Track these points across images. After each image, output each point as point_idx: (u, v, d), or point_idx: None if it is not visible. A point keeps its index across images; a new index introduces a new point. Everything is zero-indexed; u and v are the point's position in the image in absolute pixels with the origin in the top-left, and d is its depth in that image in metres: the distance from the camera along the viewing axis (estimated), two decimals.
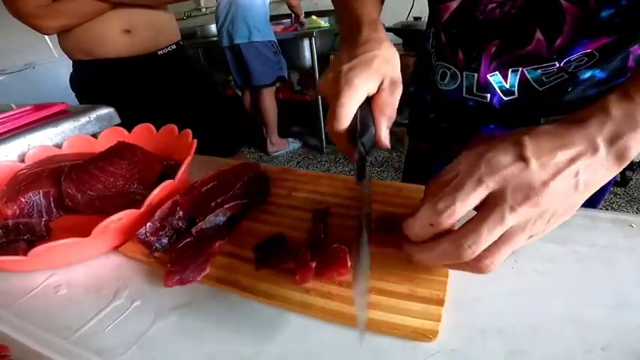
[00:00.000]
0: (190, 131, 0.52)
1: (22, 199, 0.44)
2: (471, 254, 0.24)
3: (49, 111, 0.64)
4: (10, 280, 0.36)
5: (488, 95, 0.48)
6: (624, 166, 0.26)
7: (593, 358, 0.25)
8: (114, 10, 0.96)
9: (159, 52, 1.08)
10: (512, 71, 0.45)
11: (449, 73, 0.51)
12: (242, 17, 2.12)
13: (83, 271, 0.37)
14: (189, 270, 0.33)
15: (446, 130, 0.58)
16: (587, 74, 0.44)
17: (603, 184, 0.26)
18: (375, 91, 0.35)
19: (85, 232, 0.33)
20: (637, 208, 1.75)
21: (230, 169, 0.45)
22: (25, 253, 0.32)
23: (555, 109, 0.47)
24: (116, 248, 0.38)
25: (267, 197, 0.44)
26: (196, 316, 0.30)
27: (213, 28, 2.94)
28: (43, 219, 0.43)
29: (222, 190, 0.42)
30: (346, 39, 0.40)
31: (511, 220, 0.24)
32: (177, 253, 0.35)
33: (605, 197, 1.83)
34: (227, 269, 0.34)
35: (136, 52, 1.03)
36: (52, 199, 0.46)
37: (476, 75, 0.47)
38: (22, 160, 0.54)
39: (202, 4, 3.27)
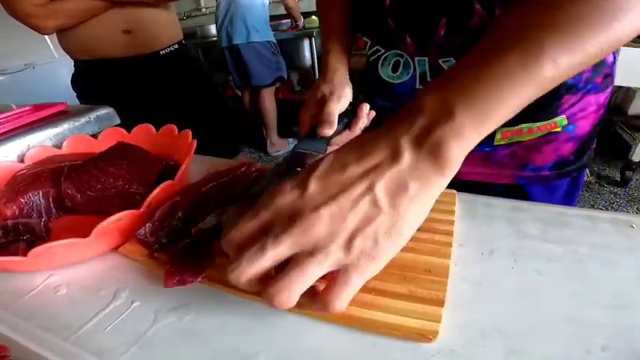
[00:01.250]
0: (190, 131, 0.52)
1: (22, 200, 0.44)
2: (236, 279, 0.23)
3: (49, 111, 0.64)
4: (10, 281, 0.36)
5: None
6: (448, 169, 0.22)
7: (593, 358, 0.25)
8: (113, 10, 0.96)
9: (161, 52, 1.08)
10: None
11: (402, 61, 0.49)
12: (241, 17, 2.12)
13: (83, 272, 0.36)
14: (189, 271, 0.33)
15: None
16: None
17: (431, 192, 0.22)
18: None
19: (84, 232, 0.33)
20: (637, 208, 1.75)
21: (229, 169, 0.45)
22: (24, 254, 0.32)
23: (510, 121, 0.45)
24: (116, 249, 0.38)
25: None
26: (196, 316, 0.30)
27: (213, 28, 2.94)
28: (43, 219, 0.43)
29: (222, 191, 0.42)
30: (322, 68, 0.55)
31: (273, 248, 0.22)
32: (176, 254, 0.35)
33: (605, 197, 1.84)
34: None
35: (138, 52, 1.03)
36: (51, 200, 0.46)
37: (427, 60, 0.46)
38: (22, 161, 0.54)
39: (202, 4, 3.28)
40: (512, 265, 0.33)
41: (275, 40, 2.29)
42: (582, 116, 0.46)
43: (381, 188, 0.21)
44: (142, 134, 0.57)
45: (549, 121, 0.45)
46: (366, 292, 0.30)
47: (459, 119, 0.21)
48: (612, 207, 1.77)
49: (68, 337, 0.29)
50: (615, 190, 1.90)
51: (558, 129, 0.46)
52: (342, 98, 0.49)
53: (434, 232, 0.36)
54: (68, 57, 1.06)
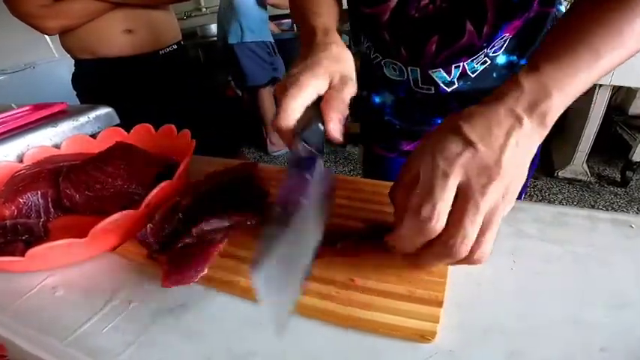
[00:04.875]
0: (189, 131, 0.52)
1: (20, 200, 0.44)
2: (466, 250, 0.25)
3: (49, 111, 0.64)
4: (8, 281, 0.36)
5: (433, 88, 0.52)
6: (546, 132, 0.29)
7: (592, 358, 0.24)
8: (116, 10, 0.97)
9: (160, 52, 1.09)
10: (455, 67, 0.49)
11: (396, 68, 0.54)
12: (237, 18, 2.12)
13: (80, 272, 0.36)
14: (187, 271, 0.33)
15: (399, 130, 0.62)
16: (504, 59, 0.49)
17: (534, 150, 0.29)
18: (324, 90, 0.36)
19: (82, 232, 0.33)
20: (637, 209, 1.75)
21: (228, 169, 0.45)
22: (22, 254, 0.32)
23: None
24: (114, 249, 0.38)
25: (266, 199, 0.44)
26: (194, 316, 0.30)
27: (213, 27, 2.94)
28: (41, 219, 0.43)
29: (222, 191, 0.42)
30: (303, 47, 0.42)
31: (485, 204, 0.25)
32: (175, 254, 0.35)
33: (605, 197, 1.83)
34: (225, 270, 0.34)
35: (138, 52, 1.04)
36: (50, 200, 0.46)
37: (419, 69, 0.51)
38: (21, 161, 0.54)
39: (202, 4, 3.27)
40: (511, 265, 0.32)
41: (272, 40, 2.28)
42: None
43: (521, 143, 0.27)
44: (141, 134, 0.57)
45: None
46: (364, 293, 0.30)
47: (554, 98, 0.28)
48: (612, 207, 1.77)
49: (66, 337, 0.29)
50: (615, 190, 1.90)
51: None
52: (354, 87, 0.40)
53: None
54: (68, 56, 1.06)
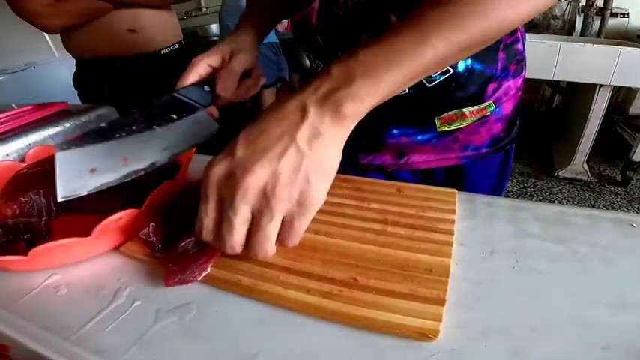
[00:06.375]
0: None
1: (22, 199, 0.44)
2: (232, 251, 0.29)
3: (50, 110, 0.64)
4: (10, 280, 0.36)
5: None
6: (349, 121, 0.27)
7: (594, 357, 0.25)
8: (118, 10, 0.97)
9: (162, 52, 1.09)
10: None
11: None
12: None
13: (83, 271, 0.36)
14: (190, 270, 0.33)
15: (353, 144, 0.60)
16: (462, 66, 0.47)
17: (337, 139, 0.27)
18: (217, 64, 0.49)
19: (85, 231, 0.33)
20: (638, 208, 1.75)
21: None
22: (25, 253, 0.32)
23: (446, 107, 0.51)
24: (116, 248, 0.38)
25: None
26: (197, 315, 0.30)
27: (213, 27, 2.94)
28: (44, 219, 0.43)
29: None
30: None
31: (234, 215, 0.26)
32: (178, 253, 0.35)
33: (606, 197, 1.84)
34: (228, 269, 0.34)
35: (140, 51, 1.04)
36: (52, 199, 0.46)
37: None
38: (23, 160, 0.54)
39: (203, 4, 3.27)
40: (513, 264, 0.33)
41: (277, 41, 2.30)
42: (505, 99, 0.54)
43: (300, 138, 0.26)
44: None
45: (479, 106, 0.52)
46: (367, 291, 0.30)
47: (357, 85, 0.26)
48: (613, 207, 1.77)
49: (69, 336, 0.29)
50: (616, 190, 1.90)
51: (489, 113, 0.54)
52: (247, 58, 0.49)
53: (435, 231, 0.36)
54: (69, 56, 1.06)
